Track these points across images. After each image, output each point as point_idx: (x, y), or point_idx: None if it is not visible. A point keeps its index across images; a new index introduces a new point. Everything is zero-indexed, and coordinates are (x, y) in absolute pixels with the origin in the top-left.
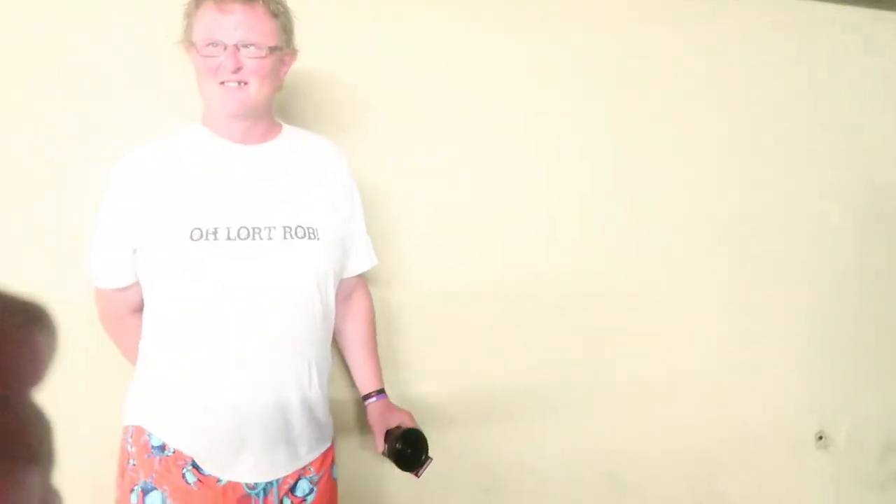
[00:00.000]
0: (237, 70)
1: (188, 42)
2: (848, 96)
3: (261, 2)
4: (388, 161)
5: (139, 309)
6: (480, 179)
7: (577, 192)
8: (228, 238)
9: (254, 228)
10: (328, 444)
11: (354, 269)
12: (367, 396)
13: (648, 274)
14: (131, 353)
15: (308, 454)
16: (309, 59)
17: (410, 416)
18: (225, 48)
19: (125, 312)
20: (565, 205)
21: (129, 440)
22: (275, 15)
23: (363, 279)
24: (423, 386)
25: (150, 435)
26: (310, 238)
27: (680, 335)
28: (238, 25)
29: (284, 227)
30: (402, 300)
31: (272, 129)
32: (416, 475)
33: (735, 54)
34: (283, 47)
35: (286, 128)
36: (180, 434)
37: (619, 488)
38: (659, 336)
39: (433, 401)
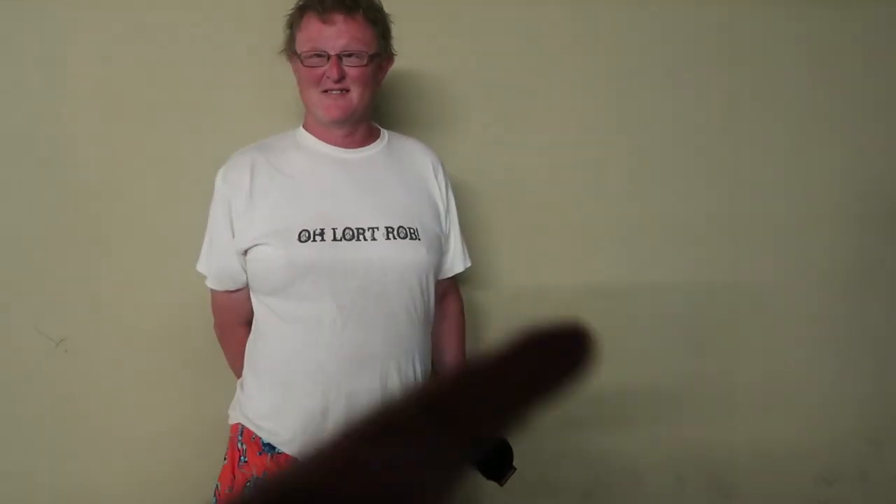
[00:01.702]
0: (340, 79)
1: (291, 52)
2: None
3: (361, 11)
4: (478, 159)
5: (249, 321)
6: (574, 176)
7: (675, 186)
8: (334, 239)
9: (358, 229)
10: None
11: (449, 270)
12: None
13: (753, 273)
14: (238, 365)
15: None
16: (400, 61)
17: None
18: (328, 58)
19: (235, 322)
20: (663, 201)
21: (240, 438)
22: (374, 23)
23: (455, 281)
24: None
25: (257, 433)
26: (412, 238)
27: (789, 337)
28: (340, 35)
29: (387, 228)
30: (493, 301)
31: (371, 134)
32: (500, 484)
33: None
34: (381, 53)
35: (383, 131)
36: (287, 436)
37: (723, 492)
38: (767, 337)
39: None
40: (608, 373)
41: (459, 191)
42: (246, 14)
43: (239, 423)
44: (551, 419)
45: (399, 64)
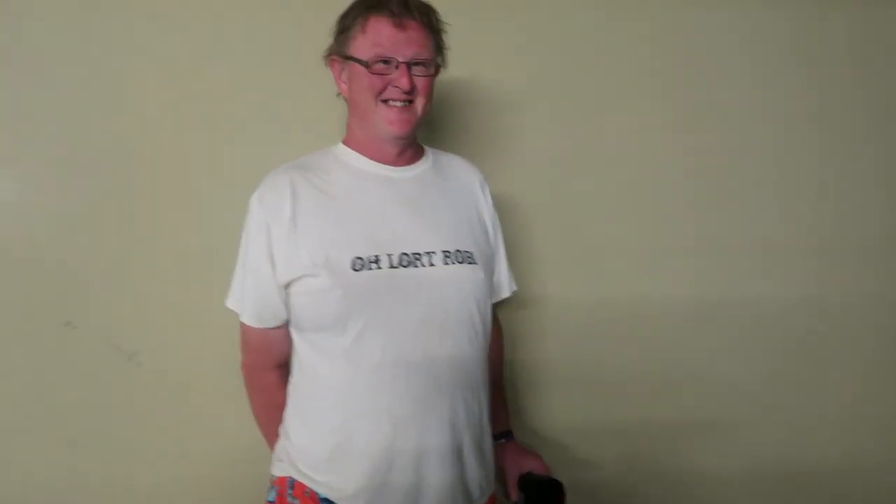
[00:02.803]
0: (411, 90)
1: (342, 56)
2: None
3: (432, 17)
4: (521, 175)
5: (283, 363)
6: (627, 191)
7: (752, 199)
8: (391, 266)
9: (414, 255)
10: (492, 488)
11: (496, 295)
12: (495, 437)
13: (837, 292)
14: (266, 414)
15: (480, 498)
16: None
17: (542, 462)
18: (397, 66)
19: (269, 363)
20: (739, 215)
21: (289, 492)
22: (437, 31)
23: (496, 309)
24: (565, 417)
25: (312, 488)
26: (469, 262)
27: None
28: (411, 42)
29: (444, 252)
30: (542, 321)
31: (418, 151)
32: None
33: None
34: (440, 64)
35: (427, 148)
36: (351, 489)
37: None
38: (853, 358)
39: (577, 426)
40: (687, 395)
41: (504, 208)
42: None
43: (288, 476)
44: (638, 456)
45: (443, 74)
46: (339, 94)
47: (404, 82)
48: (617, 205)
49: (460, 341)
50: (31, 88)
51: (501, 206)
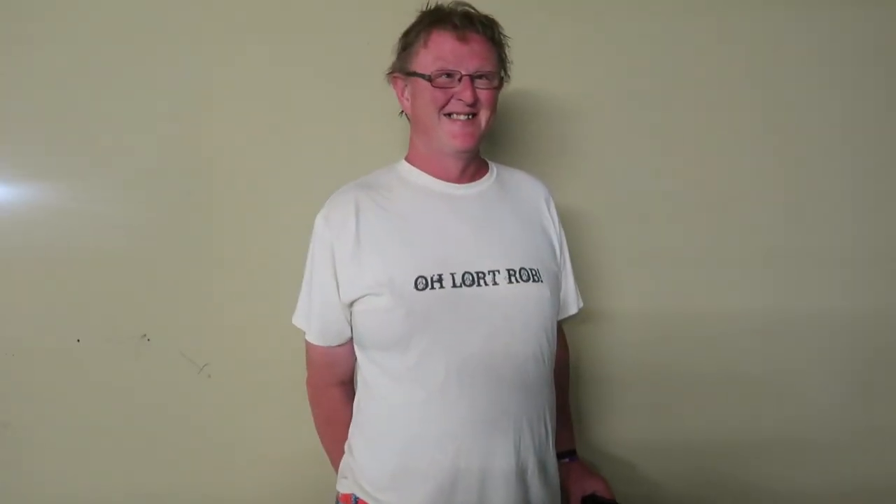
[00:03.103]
0: (474, 102)
1: (405, 73)
2: None
3: (496, 30)
4: (585, 186)
5: (347, 380)
6: (695, 200)
7: (836, 211)
8: (454, 286)
9: (478, 273)
10: None
11: (562, 312)
12: (559, 456)
13: None
14: (329, 430)
15: None
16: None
17: (606, 484)
18: (460, 79)
19: (333, 380)
20: (800, 221)
21: None
22: (500, 44)
23: (562, 327)
24: (632, 434)
25: None
26: (534, 280)
27: None
28: (474, 55)
29: (508, 270)
30: (610, 342)
31: (482, 166)
32: None
33: None
34: (503, 77)
35: (491, 164)
36: None
37: None
38: None
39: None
40: (765, 416)
41: (568, 220)
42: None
43: (352, 493)
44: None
45: (509, 86)
46: (402, 113)
47: (468, 95)
48: (684, 215)
49: (526, 361)
50: (110, 104)
51: (566, 219)
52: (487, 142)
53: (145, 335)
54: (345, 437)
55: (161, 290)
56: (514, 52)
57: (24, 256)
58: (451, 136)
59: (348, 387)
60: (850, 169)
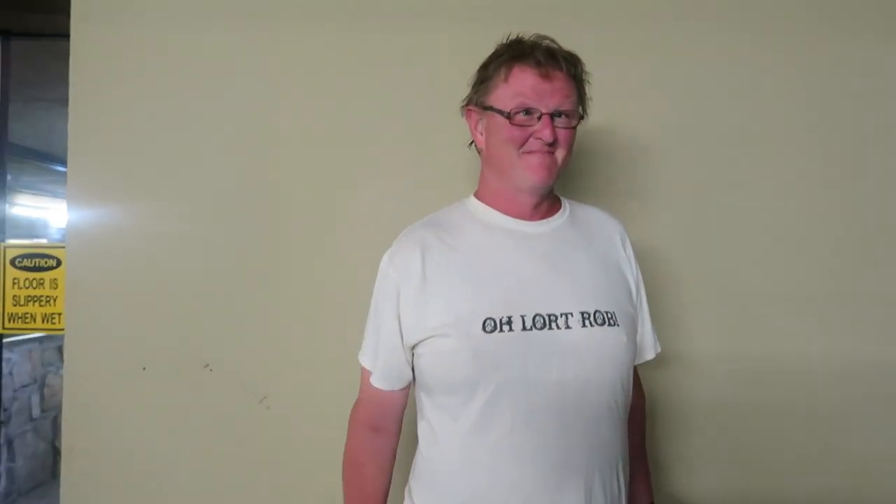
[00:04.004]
0: (553, 141)
1: (481, 107)
2: None
3: (577, 67)
4: (661, 225)
5: (392, 428)
6: (772, 240)
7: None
8: (524, 328)
9: (549, 316)
10: None
11: (639, 356)
12: None
13: None
14: (354, 472)
15: None
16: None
17: None
18: (539, 117)
19: (383, 425)
20: (881, 263)
21: None
22: (580, 81)
23: (638, 372)
24: (711, 486)
25: None
26: (610, 324)
27: None
28: (555, 93)
29: (582, 313)
30: (688, 386)
31: (555, 203)
32: None
33: None
34: (582, 115)
35: (564, 200)
36: None
37: None
38: None
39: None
40: (850, 467)
41: (644, 259)
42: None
43: None
44: None
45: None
46: (471, 144)
47: (547, 134)
48: (763, 255)
49: (598, 410)
50: (191, 137)
51: (641, 258)
52: (561, 179)
53: (208, 365)
54: (364, 485)
55: (223, 320)
56: (592, 89)
57: (95, 282)
58: (529, 170)
59: (390, 437)
60: None
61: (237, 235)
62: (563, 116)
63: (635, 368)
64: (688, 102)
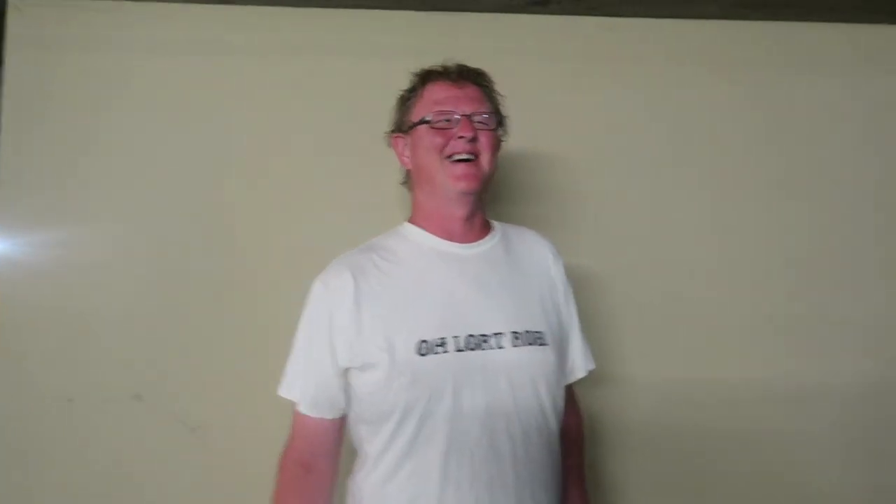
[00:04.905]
0: (473, 139)
1: (404, 128)
2: None
3: (488, 81)
4: (599, 248)
5: (333, 454)
6: (713, 265)
7: (844, 278)
8: (458, 349)
9: (481, 336)
10: None
11: (571, 374)
12: None
13: None
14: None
15: None
16: (512, 141)
17: None
18: (458, 119)
19: (316, 456)
20: (828, 295)
21: None
22: (495, 99)
23: (574, 391)
24: (654, 498)
25: None
26: (539, 344)
27: None
28: (470, 99)
29: (513, 333)
30: (626, 405)
31: (486, 225)
32: None
33: None
34: (502, 129)
35: (495, 223)
36: None
37: None
38: None
39: None
40: (761, 484)
41: (581, 281)
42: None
43: None
44: None
45: (514, 146)
46: (404, 182)
47: (467, 130)
48: (701, 278)
49: (528, 430)
50: (125, 169)
51: (579, 279)
52: (494, 203)
53: (138, 395)
54: None
55: (156, 349)
56: (522, 114)
57: (21, 311)
58: (455, 178)
59: (323, 477)
60: (868, 234)
61: (169, 264)
62: (481, 121)
63: (571, 388)
64: (618, 127)
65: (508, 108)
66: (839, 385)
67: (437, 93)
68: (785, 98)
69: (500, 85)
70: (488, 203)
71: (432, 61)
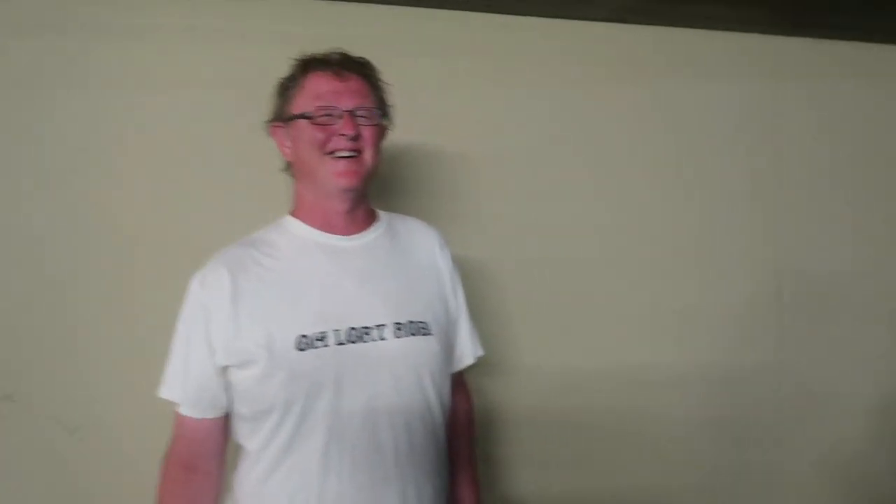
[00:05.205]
0: (356, 137)
1: (284, 119)
2: None
3: (372, 71)
4: (493, 238)
5: (217, 454)
6: (596, 258)
7: (709, 268)
8: (338, 343)
9: (363, 329)
10: None
11: (459, 362)
12: None
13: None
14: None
15: None
16: (401, 136)
17: None
18: (340, 116)
19: (199, 459)
20: (696, 284)
21: None
22: (380, 89)
23: (464, 377)
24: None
25: None
26: (424, 333)
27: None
28: (353, 93)
29: (395, 324)
30: (516, 394)
31: (370, 216)
32: None
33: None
34: (387, 119)
35: (380, 213)
36: None
37: None
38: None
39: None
40: (642, 462)
41: (475, 272)
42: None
43: None
44: None
45: (403, 140)
46: (285, 168)
47: (349, 128)
48: (593, 269)
49: (411, 421)
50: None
51: (469, 272)
52: (383, 197)
53: (9, 395)
54: None
55: (28, 349)
56: (411, 109)
57: None
58: (336, 174)
59: (208, 479)
60: (739, 228)
61: (45, 260)
62: (364, 116)
63: (462, 375)
64: (510, 125)
65: (398, 102)
66: (709, 371)
67: (318, 85)
68: (664, 98)
69: (391, 78)
70: (376, 195)
71: (316, 49)
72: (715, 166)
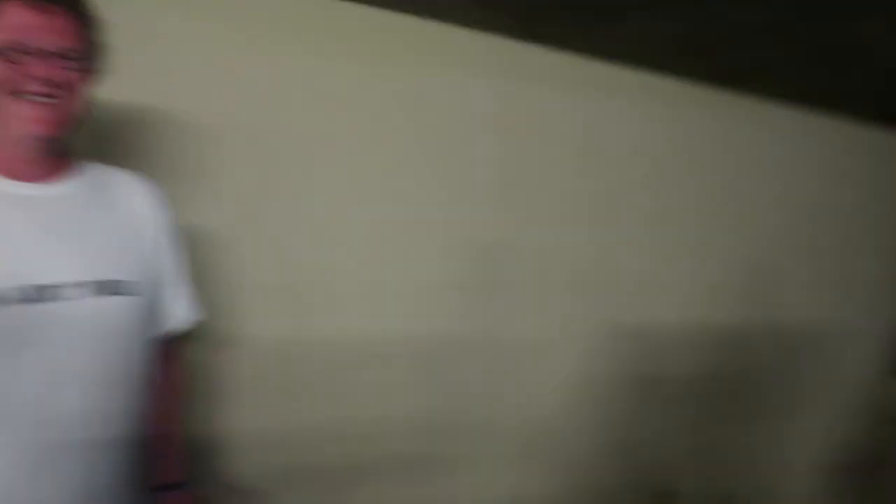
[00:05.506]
0: (52, 82)
1: None
2: None
3: (80, 7)
4: (226, 205)
5: None
6: (332, 224)
7: (425, 246)
8: (21, 301)
9: (52, 287)
10: None
11: (167, 325)
12: (158, 488)
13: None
14: None
15: None
16: (135, 92)
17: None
18: (38, 54)
19: None
20: (427, 253)
21: None
22: (89, 26)
23: (177, 344)
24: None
25: None
26: (118, 293)
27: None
28: (55, 30)
29: (92, 282)
30: (241, 366)
31: (64, 164)
32: None
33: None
34: (95, 63)
35: (89, 165)
36: None
37: None
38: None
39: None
40: (361, 441)
41: (205, 238)
42: None
43: None
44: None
45: (144, 98)
46: None
47: (42, 71)
48: (329, 238)
49: (99, 390)
50: None
51: (204, 239)
52: (113, 153)
53: None
54: None
55: None
56: (156, 66)
57: None
58: (25, 120)
59: None
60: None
61: None
62: (67, 58)
63: (174, 340)
64: (264, 94)
65: (145, 60)
66: (422, 344)
67: (16, 16)
68: (406, 84)
69: (132, 30)
70: (113, 155)
71: None
72: (455, 154)
